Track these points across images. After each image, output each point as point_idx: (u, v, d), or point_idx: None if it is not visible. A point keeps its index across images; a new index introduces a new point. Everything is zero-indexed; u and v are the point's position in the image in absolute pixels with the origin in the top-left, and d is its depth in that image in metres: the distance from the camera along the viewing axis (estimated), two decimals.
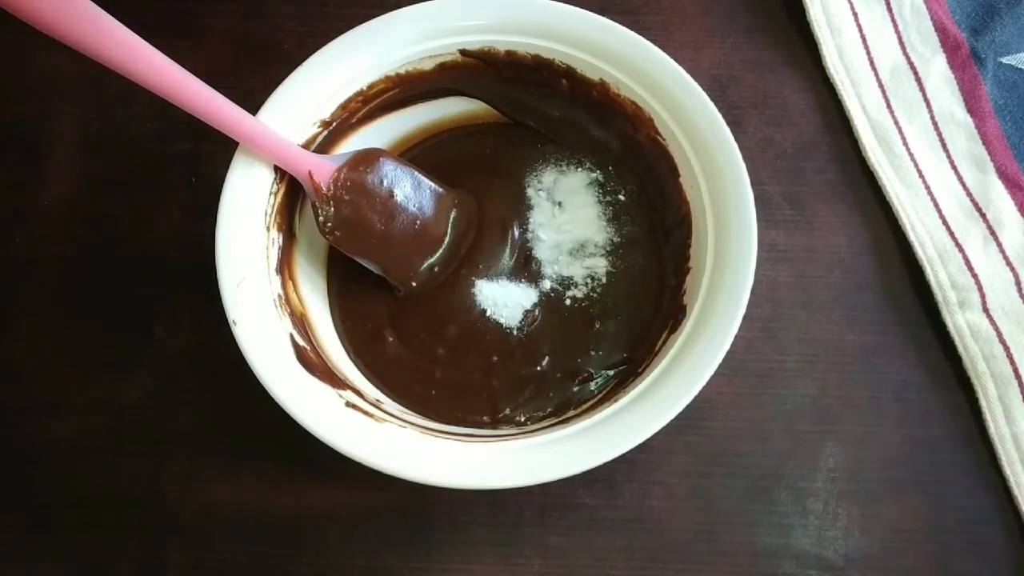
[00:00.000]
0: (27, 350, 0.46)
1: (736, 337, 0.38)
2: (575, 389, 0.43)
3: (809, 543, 0.42)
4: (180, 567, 0.42)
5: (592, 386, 0.43)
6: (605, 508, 0.43)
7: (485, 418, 0.43)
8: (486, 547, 0.42)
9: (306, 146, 0.42)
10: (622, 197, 0.47)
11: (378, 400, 0.41)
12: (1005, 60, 0.51)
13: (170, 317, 0.46)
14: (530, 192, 0.47)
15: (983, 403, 0.43)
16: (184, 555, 0.42)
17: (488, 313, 0.45)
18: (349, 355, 0.44)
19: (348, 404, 0.38)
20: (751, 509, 0.43)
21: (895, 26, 0.52)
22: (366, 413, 0.38)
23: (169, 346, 0.46)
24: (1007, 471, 0.42)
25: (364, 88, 0.44)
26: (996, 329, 0.44)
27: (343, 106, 0.44)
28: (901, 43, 0.52)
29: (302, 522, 0.43)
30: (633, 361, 0.43)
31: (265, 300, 0.39)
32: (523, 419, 0.43)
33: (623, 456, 0.36)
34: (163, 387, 0.45)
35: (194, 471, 0.43)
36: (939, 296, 0.45)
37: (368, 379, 0.43)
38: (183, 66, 0.36)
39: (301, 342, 0.40)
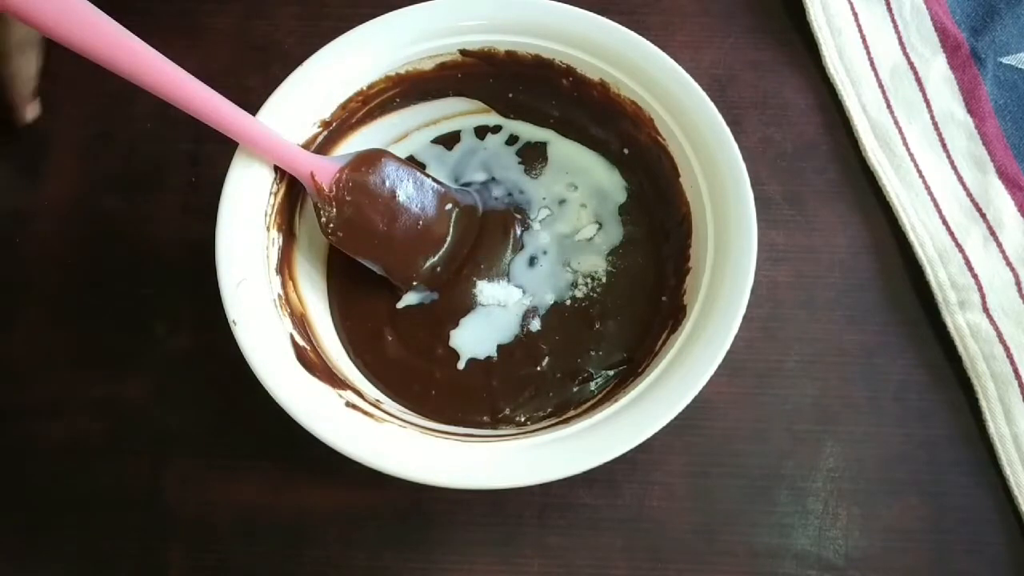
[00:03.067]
0: (27, 350, 0.46)
1: (736, 337, 0.38)
2: (575, 389, 0.43)
3: (809, 543, 0.42)
4: (180, 567, 0.42)
5: (592, 386, 0.43)
6: (605, 508, 0.43)
7: (485, 418, 0.43)
8: (486, 547, 0.42)
9: (306, 146, 0.42)
10: (621, 197, 0.47)
11: (378, 400, 0.41)
12: (1005, 60, 0.51)
13: (170, 317, 0.46)
14: (532, 190, 0.47)
15: (983, 403, 0.43)
16: (184, 555, 0.42)
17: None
18: (349, 355, 0.44)
19: (348, 404, 0.38)
20: (751, 509, 0.43)
21: (895, 26, 0.52)
22: (366, 413, 0.38)
23: (169, 346, 0.46)
24: (1007, 471, 0.42)
25: (364, 88, 0.44)
26: (996, 329, 0.44)
27: (343, 106, 0.44)
28: (901, 43, 0.52)
29: (302, 522, 0.43)
30: (633, 361, 0.43)
31: (265, 300, 0.39)
32: (523, 419, 0.43)
33: (623, 456, 0.36)
34: (163, 387, 0.45)
35: (194, 471, 0.43)
36: (939, 296, 0.45)
37: (368, 379, 0.43)
38: (182, 66, 0.36)
39: (301, 342, 0.40)
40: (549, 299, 0.45)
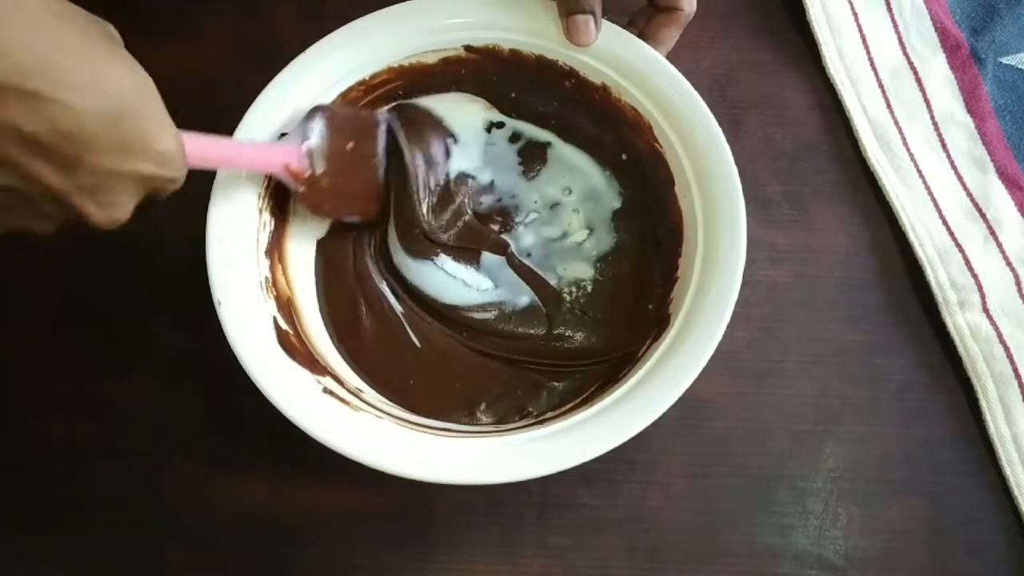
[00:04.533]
0: (27, 350, 0.46)
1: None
2: (549, 392, 0.43)
3: (809, 543, 0.42)
4: (180, 568, 0.42)
5: (568, 389, 0.43)
6: (605, 508, 0.43)
7: (463, 413, 0.43)
8: (486, 547, 0.42)
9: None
10: (616, 203, 0.47)
11: (359, 389, 0.41)
12: (1005, 60, 0.51)
13: (170, 317, 0.46)
14: (524, 193, 0.47)
15: (983, 403, 0.43)
16: (184, 555, 0.42)
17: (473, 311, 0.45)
18: (333, 341, 0.44)
19: (325, 390, 0.38)
20: (751, 509, 0.43)
21: (895, 26, 0.52)
22: (342, 400, 0.38)
23: (168, 346, 0.46)
24: (1007, 471, 0.42)
25: (367, 78, 0.44)
26: (996, 329, 0.44)
27: (344, 95, 0.44)
28: (901, 43, 0.52)
29: (302, 522, 0.42)
30: (614, 366, 0.43)
31: (251, 282, 0.39)
32: (498, 417, 0.43)
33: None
34: (162, 387, 0.45)
35: (193, 471, 0.43)
36: (939, 296, 0.45)
37: (351, 367, 0.43)
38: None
39: (284, 326, 0.40)
40: (523, 300, 0.45)
